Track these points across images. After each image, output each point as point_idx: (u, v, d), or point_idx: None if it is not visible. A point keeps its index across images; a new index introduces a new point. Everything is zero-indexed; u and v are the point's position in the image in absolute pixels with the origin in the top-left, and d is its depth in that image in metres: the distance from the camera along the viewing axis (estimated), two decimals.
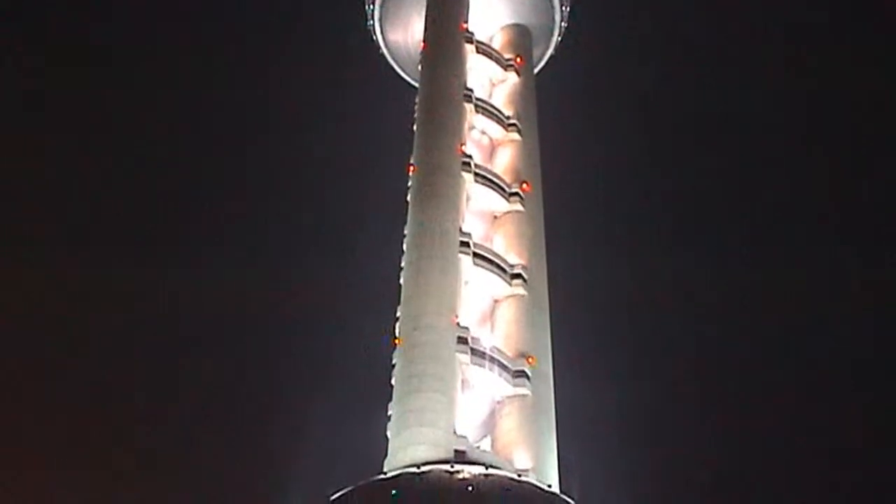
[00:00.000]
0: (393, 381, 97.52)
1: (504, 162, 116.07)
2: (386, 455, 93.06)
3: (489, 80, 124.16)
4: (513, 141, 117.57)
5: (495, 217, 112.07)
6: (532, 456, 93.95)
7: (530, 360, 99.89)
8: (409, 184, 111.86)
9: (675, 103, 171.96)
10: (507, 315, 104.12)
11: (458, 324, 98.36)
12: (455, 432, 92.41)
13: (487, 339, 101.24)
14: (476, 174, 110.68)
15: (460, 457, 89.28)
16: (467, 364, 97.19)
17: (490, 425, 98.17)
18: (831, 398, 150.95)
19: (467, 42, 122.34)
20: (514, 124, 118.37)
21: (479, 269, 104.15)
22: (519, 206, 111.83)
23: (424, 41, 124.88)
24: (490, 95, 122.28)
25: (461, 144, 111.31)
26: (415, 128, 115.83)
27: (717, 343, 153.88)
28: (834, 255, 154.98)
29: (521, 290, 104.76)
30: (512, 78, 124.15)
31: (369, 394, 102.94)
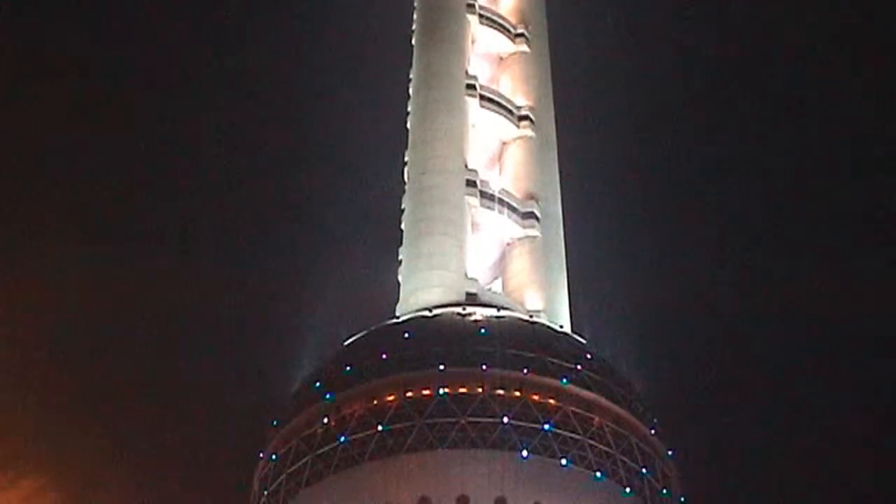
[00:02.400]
0: (403, 226, 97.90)
1: (508, 2, 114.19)
2: (398, 299, 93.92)
3: None
4: None
5: (501, 59, 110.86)
6: (543, 297, 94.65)
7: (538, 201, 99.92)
8: (414, 28, 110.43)
9: None
10: (516, 157, 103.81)
11: (466, 167, 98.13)
12: (466, 275, 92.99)
13: (496, 182, 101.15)
14: (481, 16, 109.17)
15: (472, 299, 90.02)
16: (476, 207, 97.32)
17: (500, 268, 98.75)
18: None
19: None
20: None
21: (486, 111, 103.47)
22: (525, 48, 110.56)
23: None
24: None
25: None
26: None
27: (729, 186, 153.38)
28: None
29: (528, 132, 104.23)
30: None
31: (380, 239, 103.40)
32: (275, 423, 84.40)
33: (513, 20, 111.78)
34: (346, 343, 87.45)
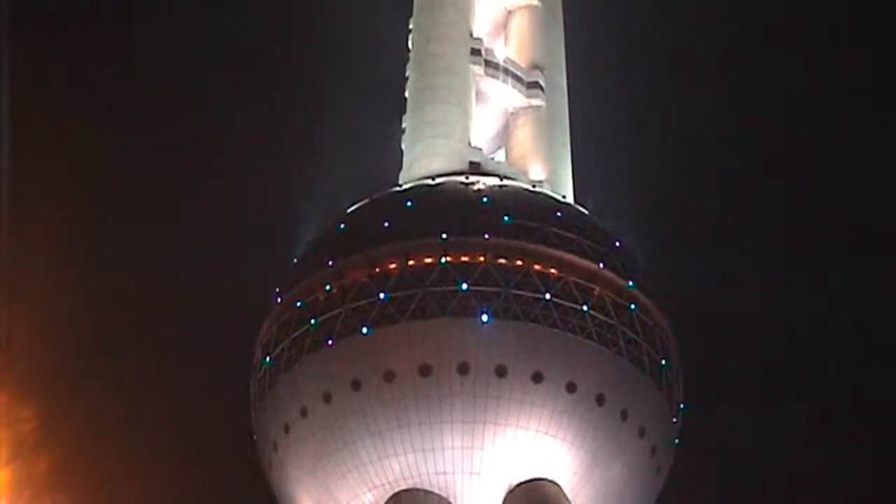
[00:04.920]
0: (407, 94, 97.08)
1: None
2: (401, 168, 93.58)
3: None
4: None
5: None
6: (546, 167, 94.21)
7: (543, 70, 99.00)
8: None
9: None
10: (521, 26, 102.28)
11: (471, 35, 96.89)
12: (469, 144, 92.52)
13: (501, 51, 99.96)
14: None
15: (475, 168, 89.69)
16: (481, 75, 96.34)
17: (504, 137, 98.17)
18: None
19: None
20: None
21: None
22: None
23: None
24: None
25: None
26: None
27: (735, 53, 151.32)
28: None
29: (534, 1, 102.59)
30: None
31: (384, 107, 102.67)
32: (277, 290, 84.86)
33: None
34: (348, 211, 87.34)
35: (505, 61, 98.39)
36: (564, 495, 76.33)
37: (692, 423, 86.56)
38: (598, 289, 79.86)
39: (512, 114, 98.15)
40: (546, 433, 76.16)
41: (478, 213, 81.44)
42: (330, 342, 77.93)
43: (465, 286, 76.95)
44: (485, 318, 76.33)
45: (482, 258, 78.47)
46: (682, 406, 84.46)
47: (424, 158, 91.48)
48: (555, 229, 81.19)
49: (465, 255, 78.57)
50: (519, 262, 78.72)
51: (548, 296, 77.63)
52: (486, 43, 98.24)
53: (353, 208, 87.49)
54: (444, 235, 78.95)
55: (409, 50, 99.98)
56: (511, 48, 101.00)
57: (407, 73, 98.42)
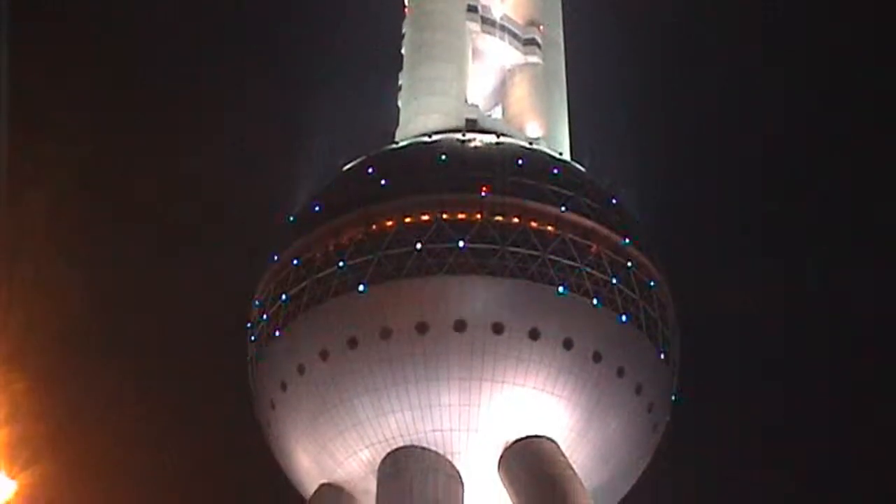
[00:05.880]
0: (403, 51, 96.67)
1: None
2: (398, 125, 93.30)
3: None
4: None
5: None
6: (543, 125, 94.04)
7: (541, 27, 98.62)
8: None
9: None
10: None
11: None
12: (466, 101, 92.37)
13: (497, 8, 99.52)
14: None
15: (471, 125, 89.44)
16: (477, 32, 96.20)
17: (501, 94, 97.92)
18: None
19: None
20: None
21: None
22: None
23: None
24: None
25: None
26: None
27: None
28: None
29: None
30: None
31: (381, 65, 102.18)
32: (274, 248, 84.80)
33: None
34: (344, 169, 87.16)
35: (502, 18, 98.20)
36: (561, 452, 76.57)
37: (689, 380, 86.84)
38: (594, 246, 79.82)
39: (509, 71, 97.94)
40: (543, 390, 76.31)
41: (474, 171, 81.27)
42: (327, 300, 77.91)
43: (461, 243, 76.90)
44: (482, 275, 76.28)
45: (479, 215, 78.37)
46: (678, 363, 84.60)
47: (421, 116, 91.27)
48: (552, 186, 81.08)
49: (461, 213, 78.48)
50: (516, 220, 78.63)
51: (545, 253, 77.58)
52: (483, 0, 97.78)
53: (349, 166, 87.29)
54: (441, 193, 78.81)
55: (405, 7, 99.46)
56: (508, 5, 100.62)
57: (403, 31, 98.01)
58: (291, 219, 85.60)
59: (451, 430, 76.49)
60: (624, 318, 78.92)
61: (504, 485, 76.85)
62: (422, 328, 75.67)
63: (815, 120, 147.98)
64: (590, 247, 79.63)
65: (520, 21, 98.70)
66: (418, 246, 76.94)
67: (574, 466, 76.01)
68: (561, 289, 76.96)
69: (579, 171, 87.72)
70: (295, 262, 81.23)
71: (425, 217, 78.38)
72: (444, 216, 78.18)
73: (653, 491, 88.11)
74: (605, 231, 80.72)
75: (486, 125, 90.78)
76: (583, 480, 75.34)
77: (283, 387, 79.58)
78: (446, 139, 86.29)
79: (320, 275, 79.04)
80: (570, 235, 79.16)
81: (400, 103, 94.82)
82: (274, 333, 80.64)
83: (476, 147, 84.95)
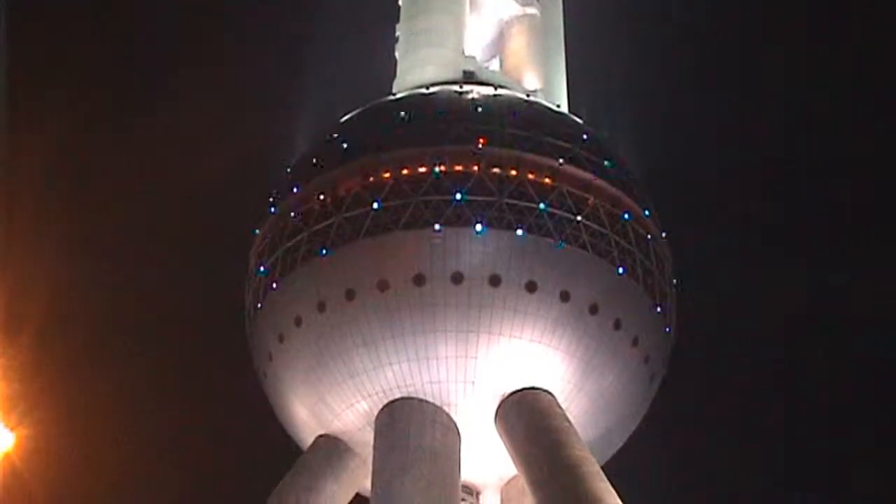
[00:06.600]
0: (400, 2, 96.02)
1: None
2: (395, 77, 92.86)
3: None
4: None
5: None
6: (541, 77, 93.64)
7: None
8: None
9: None
10: None
11: None
12: (463, 53, 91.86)
13: None
14: None
15: (469, 77, 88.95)
16: None
17: (498, 46, 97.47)
18: None
19: None
20: None
21: None
22: None
23: None
24: None
25: None
26: None
27: None
28: None
29: None
30: None
31: (378, 15, 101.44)
32: (271, 199, 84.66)
33: None
34: (342, 120, 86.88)
35: None
36: (558, 404, 76.81)
37: (685, 333, 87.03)
38: (592, 198, 79.71)
39: (506, 23, 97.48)
40: (540, 342, 76.47)
41: (472, 122, 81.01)
42: (324, 251, 77.89)
43: (458, 195, 76.78)
44: (479, 227, 76.22)
45: (476, 167, 78.23)
46: (675, 315, 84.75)
47: (418, 67, 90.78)
48: (549, 138, 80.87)
49: (459, 165, 78.32)
50: (513, 172, 78.48)
51: (541, 205, 77.47)
52: None
53: (346, 118, 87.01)
54: (438, 144, 78.68)
55: None
56: None
57: None
58: (289, 170, 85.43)
59: (448, 381, 76.71)
60: (621, 270, 78.94)
61: (500, 436, 77.16)
62: (419, 280, 75.69)
63: (814, 64, 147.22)
64: (587, 199, 79.51)
65: None
66: (415, 198, 76.86)
67: (570, 418, 76.26)
68: (558, 241, 76.93)
69: (577, 122, 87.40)
70: (292, 213, 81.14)
71: (422, 169, 78.22)
72: (442, 168, 78.02)
73: (649, 443, 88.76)
74: (602, 183, 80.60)
75: (484, 77, 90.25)
76: (579, 432, 75.58)
77: (281, 338, 79.74)
78: (444, 91, 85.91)
79: (318, 227, 78.96)
80: (568, 188, 79.02)
81: (397, 55, 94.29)
82: (272, 285, 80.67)
83: (473, 99, 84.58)
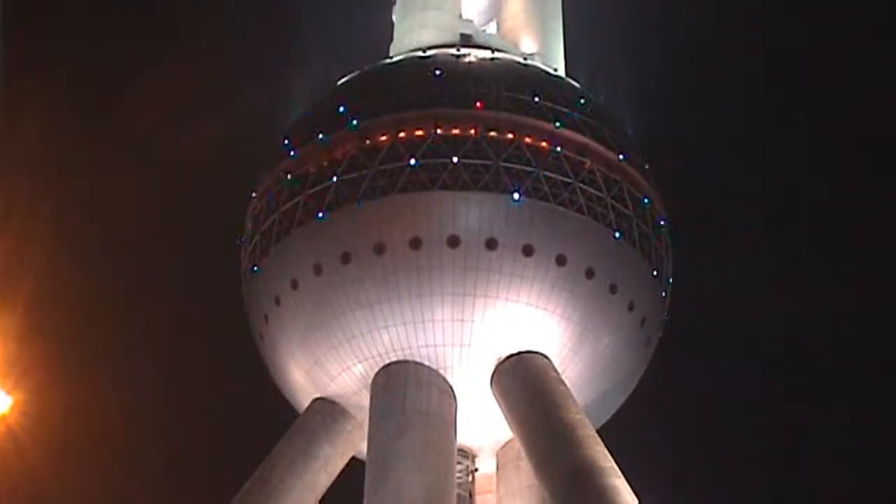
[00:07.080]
0: None
1: None
2: (392, 40, 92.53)
3: None
4: None
5: None
6: (538, 40, 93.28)
7: None
8: None
9: None
10: None
11: None
12: (460, 16, 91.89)
13: None
14: None
15: (466, 41, 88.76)
16: None
17: (496, 9, 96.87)
18: None
19: None
20: None
21: None
22: None
23: None
24: None
25: None
26: None
27: None
28: None
29: None
30: None
31: None
32: (268, 162, 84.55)
33: None
34: (338, 83, 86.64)
35: None
36: (553, 367, 76.97)
37: (681, 296, 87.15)
38: (588, 162, 79.62)
39: None
40: (536, 306, 76.53)
41: (469, 86, 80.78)
42: (320, 214, 77.84)
43: (455, 159, 76.64)
44: (476, 191, 76.14)
45: (473, 131, 78.06)
46: (670, 280, 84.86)
47: (415, 30, 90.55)
48: (546, 102, 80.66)
49: (455, 128, 78.13)
50: (510, 135, 78.33)
51: (539, 169, 77.37)
52: None
53: (343, 81, 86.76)
54: (435, 107, 78.48)
55: None
56: None
57: None
58: (285, 134, 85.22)
59: (444, 345, 76.82)
60: (617, 234, 78.96)
61: (496, 400, 77.35)
62: (415, 243, 75.63)
63: (817, 29, 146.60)
64: (584, 163, 79.41)
65: None
66: (412, 161, 76.75)
67: (566, 382, 76.40)
68: (555, 205, 76.85)
69: (574, 86, 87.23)
70: (289, 176, 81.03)
71: (419, 132, 78.03)
72: (438, 131, 77.83)
73: (648, 406, 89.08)
74: (599, 147, 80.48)
75: (481, 40, 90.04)
76: (575, 396, 75.72)
77: (277, 301, 79.78)
78: (441, 54, 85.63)
79: (314, 189, 78.87)
80: (565, 151, 78.92)
81: (394, 18, 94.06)
82: (268, 248, 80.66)
83: (470, 62, 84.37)
